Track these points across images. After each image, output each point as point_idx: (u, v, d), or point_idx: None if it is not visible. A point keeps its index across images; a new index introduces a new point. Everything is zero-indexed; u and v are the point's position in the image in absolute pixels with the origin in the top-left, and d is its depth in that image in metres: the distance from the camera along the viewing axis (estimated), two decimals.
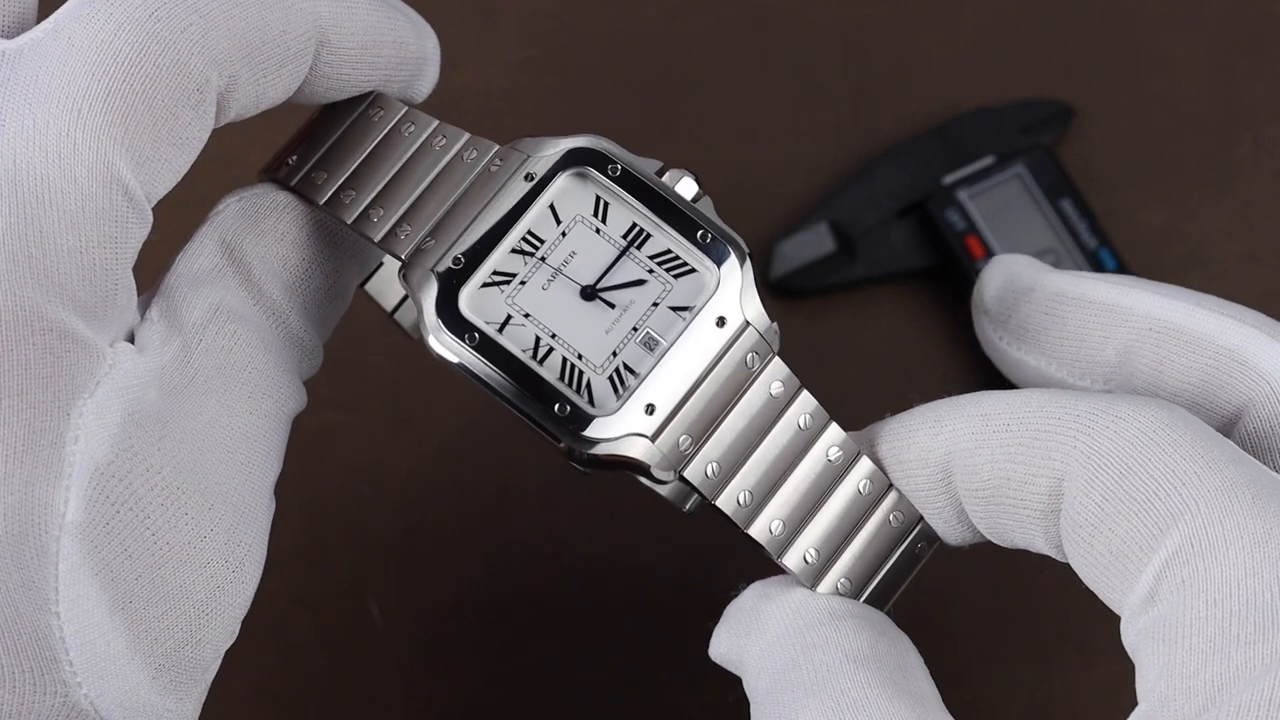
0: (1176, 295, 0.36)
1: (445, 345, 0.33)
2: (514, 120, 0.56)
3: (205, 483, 0.33)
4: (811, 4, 0.58)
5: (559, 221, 0.35)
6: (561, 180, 0.35)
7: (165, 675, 0.33)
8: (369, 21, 0.36)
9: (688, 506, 0.37)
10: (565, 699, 0.49)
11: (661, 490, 0.36)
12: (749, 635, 0.34)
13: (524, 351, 0.34)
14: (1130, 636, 0.31)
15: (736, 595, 0.36)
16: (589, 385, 0.33)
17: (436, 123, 0.36)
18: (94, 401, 0.32)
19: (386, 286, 0.40)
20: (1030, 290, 0.37)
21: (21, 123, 0.32)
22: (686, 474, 0.34)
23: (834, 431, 0.35)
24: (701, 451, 0.34)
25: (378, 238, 0.35)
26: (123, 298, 0.33)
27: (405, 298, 0.40)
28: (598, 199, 0.35)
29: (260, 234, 0.36)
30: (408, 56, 0.37)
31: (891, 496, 0.35)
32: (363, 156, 0.36)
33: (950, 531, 0.35)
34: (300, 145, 0.37)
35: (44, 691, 0.32)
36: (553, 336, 0.34)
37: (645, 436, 0.33)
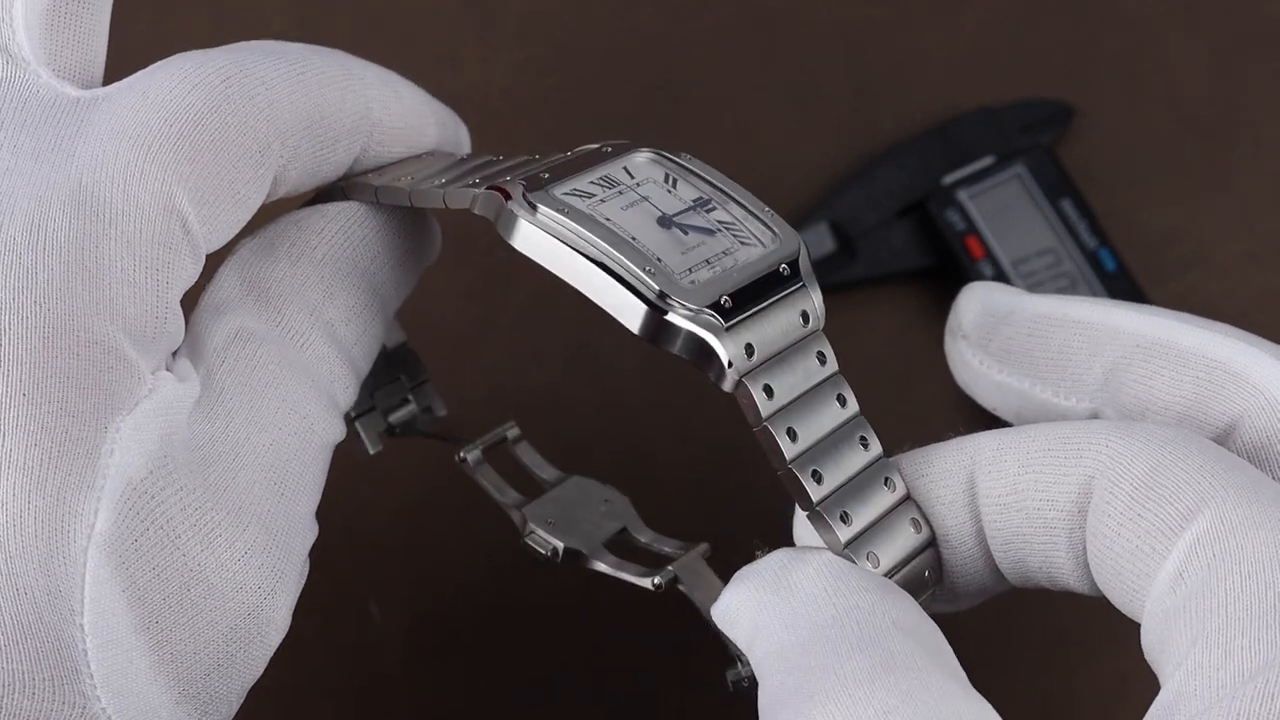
0: (1159, 313, 0.36)
1: (537, 219, 0.34)
2: (514, 121, 0.56)
3: (238, 504, 0.34)
4: (811, 4, 0.58)
5: (633, 177, 0.36)
6: (637, 156, 0.36)
7: (189, 701, 0.33)
8: (413, 105, 0.38)
9: (656, 580, 0.37)
10: (565, 700, 0.49)
11: (626, 573, 0.37)
12: (777, 593, 0.33)
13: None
14: (1154, 622, 0.31)
15: (759, 558, 0.35)
16: (668, 277, 0.34)
17: (494, 155, 0.37)
18: (132, 419, 0.32)
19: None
20: (1010, 314, 0.37)
21: (92, 152, 0.33)
22: (747, 381, 0.34)
23: (865, 424, 0.35)
24: (759, 372, 0.34)
25: (440, 183, 0.36)
26: (171, 325, 0.34)
27: (368, 409, 0.41)
28: (668, 174, 0.36)
29: (275, 260, 0.36)
30: (447, 139, 0.39)
31: (911, 506, 0.35)
32: (419, 165, 0.38)
33: (964, 560, 0.35)
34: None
35: (63, 701, 0.32)
36: (633, 239, 0.34)
37: (720, 322, 0.33)
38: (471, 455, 0.41)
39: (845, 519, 0.34)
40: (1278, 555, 0.30)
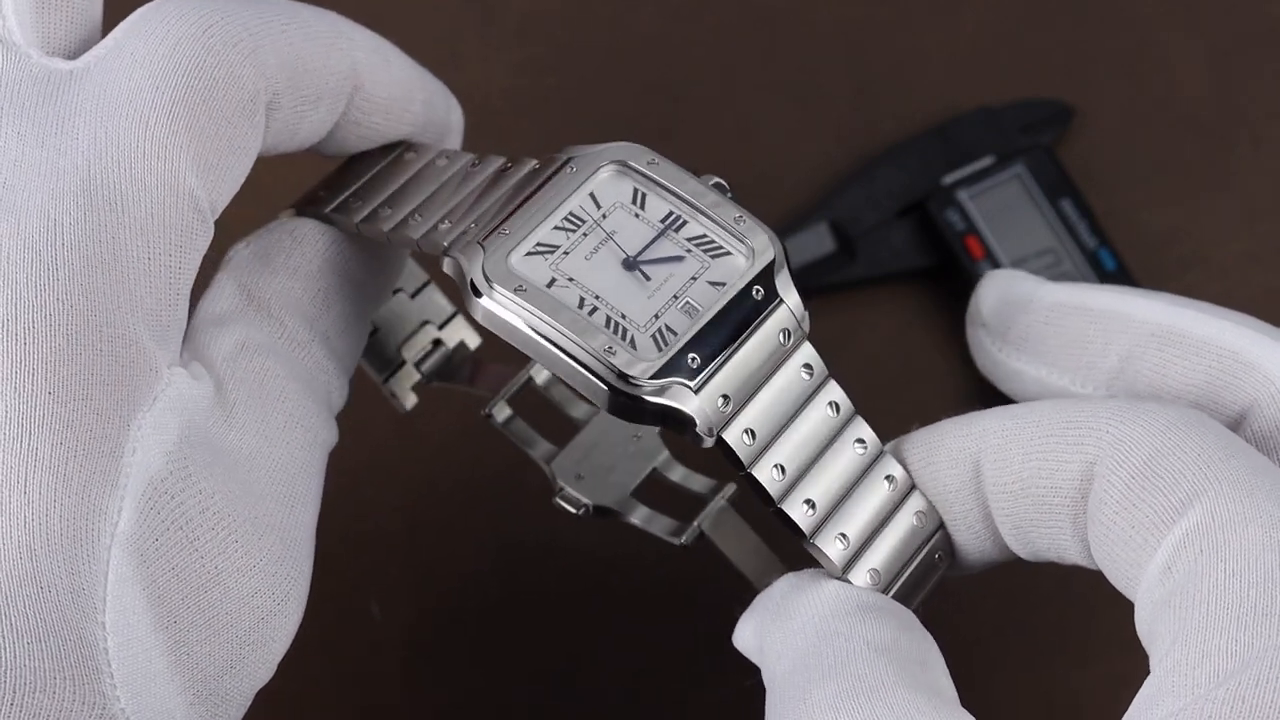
0: (1175, 302, 0.36)
1: (494, 299, 0.34)
2: (514, 120, 0.56)
3: (253, 513, 0.34)
4: (812, 4, 0.58)
5: (599, 206, 0.35)
6: (602, 173, 0.36)
7: (202, 703, 0.33)
8: (402, 77, 0.37)
9: (683, 539, 0.37)
10: (566, 699, 0.49)
11: (656, 529, 0.37)
12: (775, 622, 0.34)
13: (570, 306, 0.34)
14: (1144, 612, 0.32)
15: (767, 586, 0.36)
16: (633, 340, 0.34)
17: (472, 155, 0.37)
18: (152, 415, 0.32)
19: (379, 354, 0.41)
20: (1028, 302, 0.38)
21: (93, 135, 0.33)
22: (725, 435, 0.34)
23: (860, 424, 0.35)
24: (739, 417, 0.34)
25: (418, 234, 0.36)
26: (181, 311, 0.34)
27: (398, 366, 0.41)
28: (636, 190, 0.36)
29: (273, 271, 0.36)
30: (435, 119, 0.38)
31: (915, 498, 0.35)
32: (399, 185, 0.37)
33: (974, 540, 0.35)
34: (330, 184, 0.38)
35: (83, 701, 0.31)
36: (596, 298, 0.34)
37: (688, 387, 0.33)
38: (497, 410, 0.40)
39: (843, 539, 0.34)
40: (1264, 553, 0.30)
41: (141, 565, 0.32)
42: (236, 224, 0.38)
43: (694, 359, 0.33)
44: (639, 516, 0.38)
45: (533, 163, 0.36)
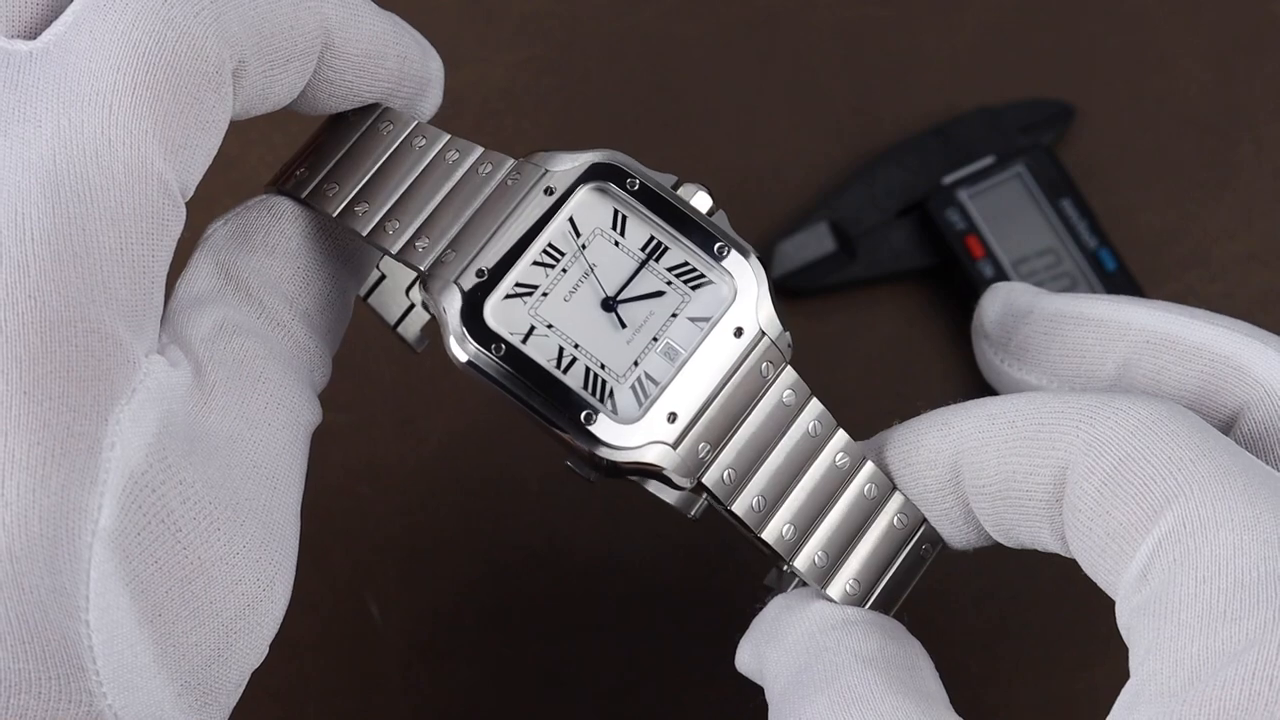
0: (1170, 309, 0.37)
1: (471, 355, 0.34)
2: (514, 120, 0.56)
3: (235, 498, 0.33)
4: (811, 4, 0.58)
5: (579, 235, 0.35)
6: (580, 194, 0.35)
7: (190, 693, 0.33)
8: (375, 31, 0.36)
9: (693, 512, 0.37)
10: (565, 699, 0.49)
11: (668, 498, 0.36)
12: (769, 644, 0.35)
13: (548, 361, 0.34)
14: (1124, 617, 0.32)
15: (761, 608, 0.36)
16: (612, 394, 0.34)
17: (448, 137, 0.37)
18: (131, 408, 0.32)
19: (390, 300, 0.41)
20: (1029, 313, 0.38)
21: (57, 123, 0.32)
22: (705, 480, 0.34)
23: (841, 437, 0.36)
24: (719, 458, 0.34)
25: (395, 249, 0.35)
26: (157, 298, 0.33)
27: (408, 310, 0.41)
28: (616, 212, 0.35)
29: (251, 250, 0.36)
30: (411, 72, 0.37)
31: (895, 499, 0.36)
32: (374, 169, 0.37)
33: (957, 534, 0.36)
34: (308, 158, 0.37)
35: (69, 699, 0.31)
36: (575, 347, 0.34)
37: (667, 444, 0.34)
38: None
39: (822, 555, 0.35)
40: (1235, 557, 0.30)
41: (124, 561, 0.32)
42: (213, 199, 0.37)
43: (672, 414, 0.34)
44: (650, 484, 0.38)
45: (509, 165, 0.36)
